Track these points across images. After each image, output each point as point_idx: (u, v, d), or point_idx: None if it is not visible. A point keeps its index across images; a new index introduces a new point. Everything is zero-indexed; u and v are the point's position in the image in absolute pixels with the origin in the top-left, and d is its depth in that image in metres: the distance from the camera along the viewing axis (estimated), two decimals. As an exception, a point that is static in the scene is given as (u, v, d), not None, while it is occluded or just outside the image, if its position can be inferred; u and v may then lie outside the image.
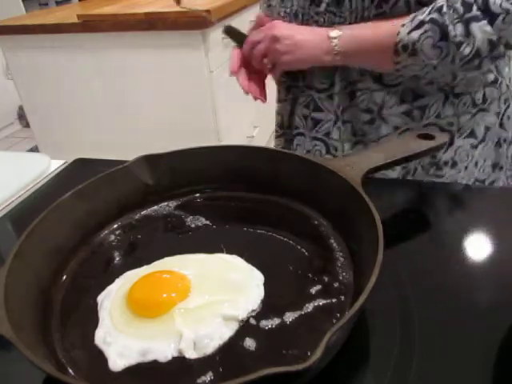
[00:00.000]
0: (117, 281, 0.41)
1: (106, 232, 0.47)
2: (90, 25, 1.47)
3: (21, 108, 2.65)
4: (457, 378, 0.33)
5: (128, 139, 1.62)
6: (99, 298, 0.39)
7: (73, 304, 0.39)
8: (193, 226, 0.48)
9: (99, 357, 0.34)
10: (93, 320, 0.37)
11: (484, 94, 0.63)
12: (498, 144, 0.67)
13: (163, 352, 0.34)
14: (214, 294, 0.38)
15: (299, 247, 0.44)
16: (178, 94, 1.52)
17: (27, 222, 0.39)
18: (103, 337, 0.35)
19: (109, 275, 0.42)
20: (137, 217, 0.50)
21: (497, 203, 0.54)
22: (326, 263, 0.41)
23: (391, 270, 0.43)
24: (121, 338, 0.35)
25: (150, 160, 0.49)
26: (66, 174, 0.69)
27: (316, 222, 0.47)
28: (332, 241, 0.44)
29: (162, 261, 0.42)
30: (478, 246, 0.46)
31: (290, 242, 0.45)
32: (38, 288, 0.38)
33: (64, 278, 0.42)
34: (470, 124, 0.64)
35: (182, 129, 1.54)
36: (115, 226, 0.48)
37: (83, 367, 0.34)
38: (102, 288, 0.40)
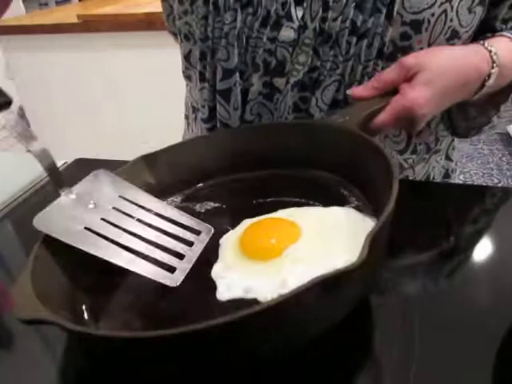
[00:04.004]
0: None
1: None
2: (89, 25, 1.47)
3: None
4: (457, 378, 0.33)
5: (128, 139, 1.62)
6: (222, 239, 0.43)
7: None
8: (203, 210, 0.48)
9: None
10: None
11: (436, 136, 0.61)
12: (447, 175, 0.67)
13: (264, 293, 0.35)
14: (326, 241, 0.39)
15: (312, 202, 0.45)
16: (177, 94, 1.52)
17: (27, 222, 0.39)
18: (218, 271, 0.39)
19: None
20: None
21: (497, 203, 0.54)
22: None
23: (390, 271, 0.43)
24: (231, 274, 0.38)
25: (148, 159, 0.49)
26: (65, 174, 0.69)
27: (325, 180, 0.47)
28: (343, 191, 0.45)
29: (275, 213, 0.44)
30: (477, 246, 0.46)
31: (302, 200, 0.45)
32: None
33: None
34: (424, 170, 0.63)
35: (182, 128, 1.54)
36: None
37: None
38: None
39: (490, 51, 0.47)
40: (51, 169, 0.40)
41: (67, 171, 0.69)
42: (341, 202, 0.44)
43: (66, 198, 0.41)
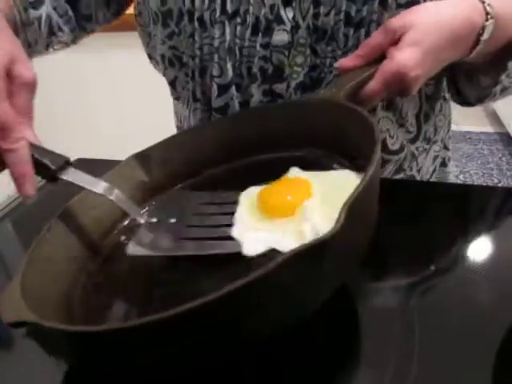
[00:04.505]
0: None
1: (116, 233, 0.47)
2: (90, 25, 1.47)
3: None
4: (457, 378, 0.33)
5: (128, 139, 1.62)
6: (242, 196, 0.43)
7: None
8: None
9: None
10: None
11: (434, 125, 0.61)
12: (444, 164, 0.67)
13: (287, 246, 0.35)
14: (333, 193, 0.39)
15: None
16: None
17: (27, 222, 0.40)
18: (240, 229, 0.40)
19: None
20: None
21: (497, 203, 0.54)
22: None
23: (390, 272, 0.43)
24: (253, 231, 0.39)
25: (140, 157, 0.49)
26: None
27: (316, 157, 0.46)
28: (336, 165, 0.44)
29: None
30: (477, 246, 0.46)
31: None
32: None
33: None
34: (426, 161, 0.63)
35: (182, 129, 1.54)
36: (122, 227, 0.47)
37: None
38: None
39: (484, 2, 0.44)
40: (120, 200, 0.42)
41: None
42: None
43: (148, 222, 0.43)
